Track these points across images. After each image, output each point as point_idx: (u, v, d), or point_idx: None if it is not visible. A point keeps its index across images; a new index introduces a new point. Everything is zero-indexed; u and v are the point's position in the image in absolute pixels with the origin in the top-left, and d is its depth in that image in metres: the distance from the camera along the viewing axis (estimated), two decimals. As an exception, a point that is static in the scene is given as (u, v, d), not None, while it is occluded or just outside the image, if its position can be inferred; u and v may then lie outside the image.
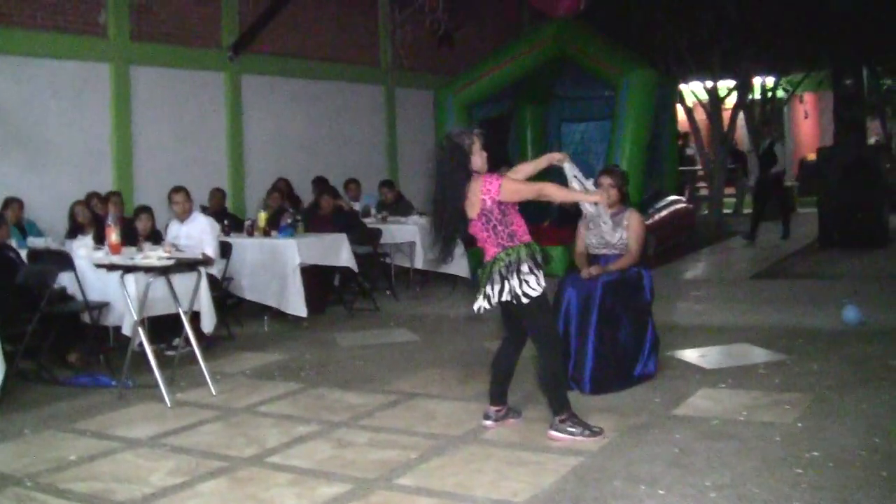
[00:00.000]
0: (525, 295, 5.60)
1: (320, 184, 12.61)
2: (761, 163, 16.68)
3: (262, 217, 10.26)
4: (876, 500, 4.39)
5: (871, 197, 14.51)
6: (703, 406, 6.23)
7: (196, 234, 8.90)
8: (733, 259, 14.81)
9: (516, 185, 5.71)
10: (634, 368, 6.84)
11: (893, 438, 5.28)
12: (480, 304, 5.78)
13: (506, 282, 5.61)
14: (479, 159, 5.71)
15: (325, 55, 14.48)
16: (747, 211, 21.79)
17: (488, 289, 5.69)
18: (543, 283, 5.65)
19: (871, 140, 19.93)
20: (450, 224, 5.74)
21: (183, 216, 9.05)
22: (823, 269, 12.83)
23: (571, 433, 5.63)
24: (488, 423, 5.97)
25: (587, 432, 5.62)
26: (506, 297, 5.63)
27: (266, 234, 10.09)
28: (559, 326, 6.77)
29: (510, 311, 5.82)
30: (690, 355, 7.73)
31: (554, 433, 5.68)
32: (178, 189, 9.13)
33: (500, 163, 15.21)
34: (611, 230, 6.88)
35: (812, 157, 23.84)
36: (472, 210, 5.67)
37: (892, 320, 8.74)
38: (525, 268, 5.60)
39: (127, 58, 11.59)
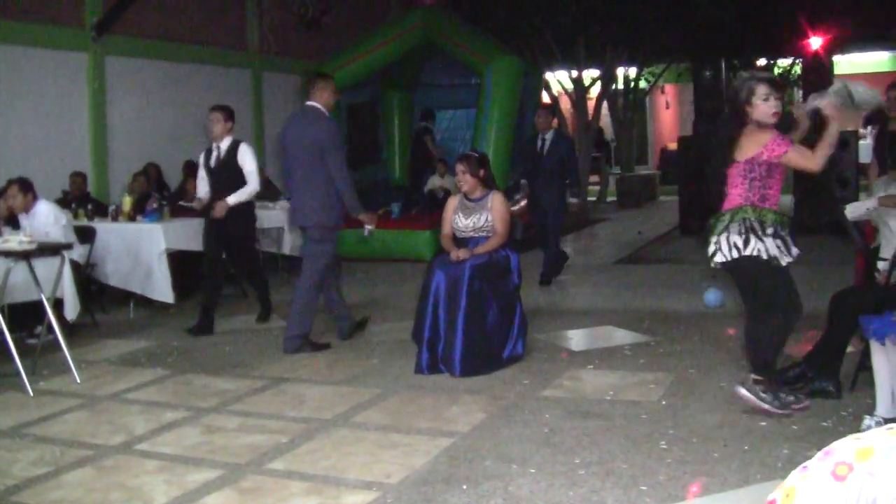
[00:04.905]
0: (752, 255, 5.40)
1: (187, 168, 12.40)
2: None
3: (128, 202, 10.02)
4: (737, 472, 4.56)
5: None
6: (571, 387, 6.37)
7: (39, 226, 8.11)
8: (597, 245, 15.12)
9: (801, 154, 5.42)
10: (503, 351, 6.94)
11: (752, 414, 5.48)
12: (715, 252, 5.55)
13: (750, 235, 5.38)
14: (760, 108, 5.39)
15: (192, 38, 14.19)
16: (611, 199, 22.28)
17: (723, 239, 5.48)
18: (774, 253, 5.41)
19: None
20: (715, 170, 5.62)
21: (21, 209, 8.29)
22: (684, 254, 13.17)
23: (761, 398, 5.45)
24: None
25: (777, 403, 5.44)
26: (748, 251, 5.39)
27: (131, 218, 9.87)
28: (428, 310, 6.85)
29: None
30: (558, 338, 7.89)
31: (742, 391, 5.51)
32: (9, 182, 8.36)
33: (369, 147, 15.27)
34: None
35: (673, 146, 24.50)
36: (740, 153, 5.43)
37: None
38: (770, 230, 5.39)
39: (-18, 35, 11.16)
